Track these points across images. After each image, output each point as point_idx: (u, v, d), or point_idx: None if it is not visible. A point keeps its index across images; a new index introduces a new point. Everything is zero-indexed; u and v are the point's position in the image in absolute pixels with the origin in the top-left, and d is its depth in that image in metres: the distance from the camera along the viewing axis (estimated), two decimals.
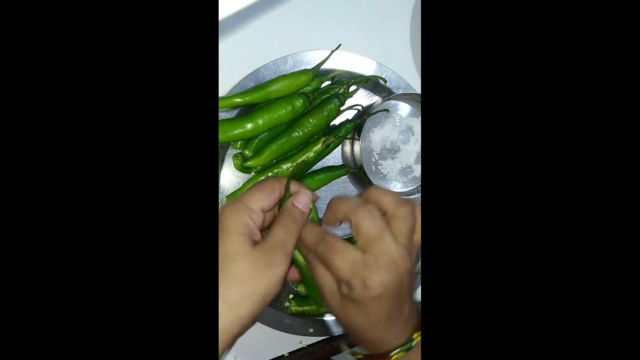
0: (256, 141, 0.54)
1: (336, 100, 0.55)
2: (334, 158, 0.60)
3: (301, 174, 0.57)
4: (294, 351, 0.59)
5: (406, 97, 0.58)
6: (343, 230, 0.48)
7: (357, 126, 0.55)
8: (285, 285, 0.56)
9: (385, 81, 0.57)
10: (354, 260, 0.36)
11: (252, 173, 0.56)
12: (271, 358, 0.58)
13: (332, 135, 0.55)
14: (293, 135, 0.54)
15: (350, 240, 0.38)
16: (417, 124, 0.58)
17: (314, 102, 0.56)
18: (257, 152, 0.54)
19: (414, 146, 0.58)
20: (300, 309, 0.56)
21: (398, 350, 0.38)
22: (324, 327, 0.56)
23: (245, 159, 0.54)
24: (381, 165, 0.58)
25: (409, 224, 0.38)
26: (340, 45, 0.55)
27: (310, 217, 0.41)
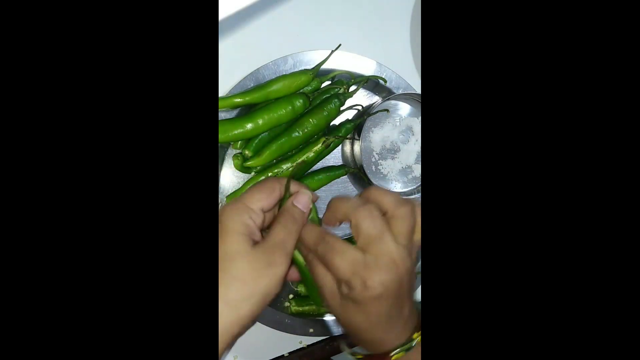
0: (256, 141, 0.54)
1: (336, 100, 0.55)
2: (334, 158, 0.60)
3: (301, 174, 0.57)
4: (294, 351, 0.59)
5: (406, 97, 0.58)
6: (343, 230, 0.48)
7: (357, 126, 0.55)
8: (285, 285, 0.56)
9: (385, 81, 0.57)
10: (354, 260, 0.36)
11: (252, 173, 0.56)
12: (271, 358, 0.58)
13: (332, 135, 0.55)
14: (293, 135, 0.54)
15: (351, 240, 0.38)
16: (417, 124, 0.58)
17: (314, 102, 0.56)
18: (257, 152, 0.54)
19: (414, 146, 0.58)
20: (300, 309, 0.56)
21: (398, 350, 0.38)
22: (324, 327, 0.56)
23: (245, 159, 0.54)
24: (381, 165, 0.58)
25: (409, 224, 0.38)
26: (340, 45, 0.55)
27: (310, 217, 0.41)
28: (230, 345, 0.37)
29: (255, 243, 0.37)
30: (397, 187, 0.59)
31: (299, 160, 0.54)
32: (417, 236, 0.39)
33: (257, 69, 0.55)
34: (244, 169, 0.55)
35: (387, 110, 0.57)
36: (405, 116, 0.59)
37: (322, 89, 0.57)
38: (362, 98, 0.60)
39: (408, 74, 0.59)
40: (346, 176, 0.59)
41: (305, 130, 0.54)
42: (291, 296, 0.57)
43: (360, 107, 0.58)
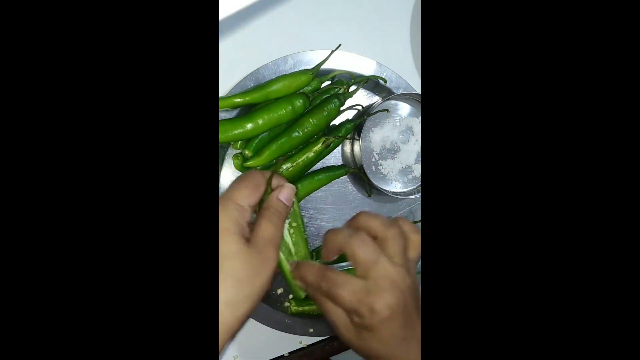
0: (256, 141, 0.54)
1: (336, 100, 0.55)
2: (334, 158, 0.60)
3: (302, 174, 0.57)
4: (294, 351, 0.59)
5: (406, 97, 0.58)
6: None
7: (357, 126, 0.55)
8: (285, 285, 0.56)
9: (385, 81, 0.57)
10: (357, 289, 0.37)
11: None
12: (271, 358, 0.58)
13: (332, 135, 0.55)
14: (293, 135, 0.54)
15: (352, 270, 0.39)
16: (417, 124, 0.58)
17: (314, 102, 0.56)
18: (257, 152, 0.54)
19: (414, 146, 0.58)
20: (300, 309, 0.56)
21: None
22: (324, 327, 0.56)
23: (245, 159, 0.54)
24: (381, 165, 0.58)
25: (400, 243, 0.39)
26: (340, 45, 0.55)
27: (292, 209, 0.42)
28: (229, 340, 0.37)
29: (246, 240, 0.37)
30: (397, 187, 0.59)
31: (299, 160, 0.54)
32: (412, 253, 0.40)
33: (257, 69, 0.55)
34: (244, 169, 0.55)
35: (387, 110, 0.57)
36: (405, 116, 0.59)
37: (322, 89, 0.57)
38: (362, 98, 0.60)
39: (408, 74, 0.59)
40: (346, 176, 0.59)
41: (305, 130, 0.54)
42: (291, 296, 0.57)
43: (360, 107, 0.58)
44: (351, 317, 0.38)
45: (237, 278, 0.36)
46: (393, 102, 0.58)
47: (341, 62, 0.57)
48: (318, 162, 0.58)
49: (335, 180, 0.58)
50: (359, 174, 0.56)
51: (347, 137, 0.56)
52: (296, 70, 0.55)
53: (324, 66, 0.56)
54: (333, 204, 0.59)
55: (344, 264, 0.41)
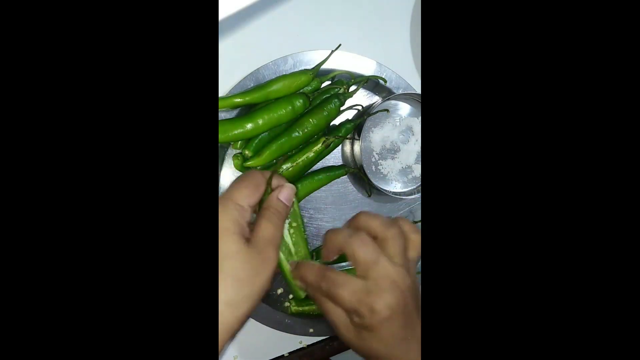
0: (256, 141, 0.54)
1: (336, 100, 0.55)
2: (334, 158, 0.60)
3: (302, 174, 0.57)
4: (294, 351, 0.59)
5: (406, 97, 0.58)
6: None
7: (357, 126, 0.55)
8: (285, 285, 0.56)
9: (385, 81, 0.57)
10: (357, 289, 0.37)
11: None
12: (271, 358, 0.58)
13: (332, 135, 0.55)
14: (293, 135, 0.54)
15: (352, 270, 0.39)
16: (417, 124, 0.58)
17: (314, 102, 0.56)
18: (257, 152, 0.54)
19: (414, 146, 0.58)
20: (300, 309, 0.56)
21: None
22: (324, 327, 0.56)
23: (245, 159, 0.54)
24: (381, 165, 0.58)
25: (400, 243, 0.39)
26: (340, 45, 0.55)
27: (292, 209, 0.42)
28: (230, 340, 0.37)
29: (246, 240, 0.37)
30: (397, 187, 0.59)
31: (299, 160, 0.54)
32: (412, 253, 0.40)
33: (257, 69, 0.55)
34: (244, 169, 0.55)
35: (387, 110, 0.57)
36: (405, 116, 0.59)
37: (322, 89, 0.57)
38: (362, 98, 0.60)
39: (408, 74, 0.59)
40: (346, 176, 0.59)
41: (305, 130, 0.54)
42: (291, 296, 0.57)
43: (360, 107, 0.58)
44: (351, 317, 0.38)
45: (237, 278, 0.36)
46: (393, 102, 0.58)
47: (341, 62, 0.57)
48: (318, 162, 0.58)
49: (335, 180, 0.58)
50: (359, 174, 0.56)
51: (347, 137, 0.56)
52: (296, 70, 0.55)
53: (324, 66, 0.56)
54: (333, 204, 0.59)
55: (344, 264, 0.41)
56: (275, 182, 0.41)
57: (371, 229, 0.40)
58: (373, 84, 0.59)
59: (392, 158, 0.58)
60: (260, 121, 0.52)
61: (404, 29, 0.62)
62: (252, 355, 0.58)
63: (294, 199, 0.42)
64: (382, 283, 0.37)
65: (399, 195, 0.57)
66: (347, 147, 0.58)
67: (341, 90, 0.56)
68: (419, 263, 0.46)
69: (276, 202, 0.40)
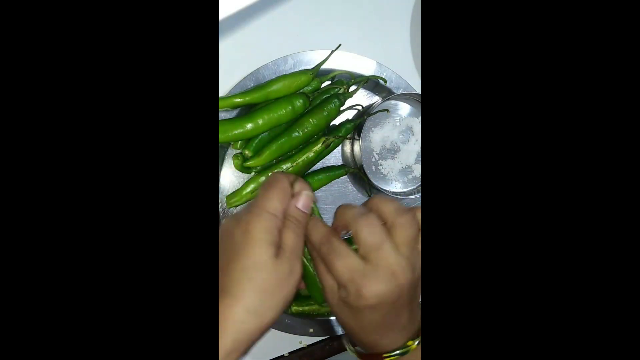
0: (256, 141, 0.54)
1: (336, 100, 0.55)
2: (334, 158, 0.60)
3: (302, 174, 0.57)
4: (294, 351, 0.59)
5: (406, 97, 0.58)
6: None
7: (357, 126, 0.55)
8: None
9: (385, 81, 0.57)
10: (353, 267, 0.36)
11: (252, 173, 0.56)
12: (271, 358, 0.58)
13: (332, 135, 0.55)
14: (293, 135, 0.54)
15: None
16: (417, 124, 0.58)
17: (314, 102, 0.56)
18: (257, 152, 0.54)
19: (414, 146, 0.58)
20: (300, 309, 0.56)
21: (391, 354, 0.38)
22: (324, 327, 0.56)
23: (245, 159, 0.54)
24: (381, 165, 0.58)
25: (410, 233, 0.37)
26: (340, 45, 0.55)
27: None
28: (249, 349, 0.37)
29: (277, 248, 0.37)
30: (397, 187, 0.59)
31: (299, 160, 0.54)
32: (420, 246, 0.39)
33: (257, 69, 0.55)
34: (244, 169, 0.55)
35: (387, 110, 0.57)
36: (405, 116, 0.59)
37: (322, 89, 0.57)
38: (362, 98, 0.60)
39: (408, 74, 0.59)
40: (346, 176, 0.59)
41: (305, 130, 0.54)
42: None
43: (360, 107, 0.58)
44: (339, 287, 0.38)
45: (263, 289, 0.35)
46: (393, 102, 0.58)
47: (341, 62, 0.57)
48: (318, 162, 0.58)
49: (335, 180, 0.58)
50: (359, 174, 0.56)
51: (347, 137, 0.56)
52: (296, 70, 0.55)
53: (324, 66, 0.56)
54: (333, 204, 0.59)
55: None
56: (297, 187, 0.40)
57: (384, 213, 0.38)
58: (373, 84, 0.59)
59: (392, 158, 0.58)
60: (260, 121, 0.52)
61: (404, 29, 0.62)
62: (252, 355, 0.58)
63: (312, 206, 0.41)
64: (380, 271, 0.36)
65: (399, 195, 0.57)
66: (347, 147, 0.58)
67: (341, 90, 0.56)
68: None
69: (296, 211, 0.39)
